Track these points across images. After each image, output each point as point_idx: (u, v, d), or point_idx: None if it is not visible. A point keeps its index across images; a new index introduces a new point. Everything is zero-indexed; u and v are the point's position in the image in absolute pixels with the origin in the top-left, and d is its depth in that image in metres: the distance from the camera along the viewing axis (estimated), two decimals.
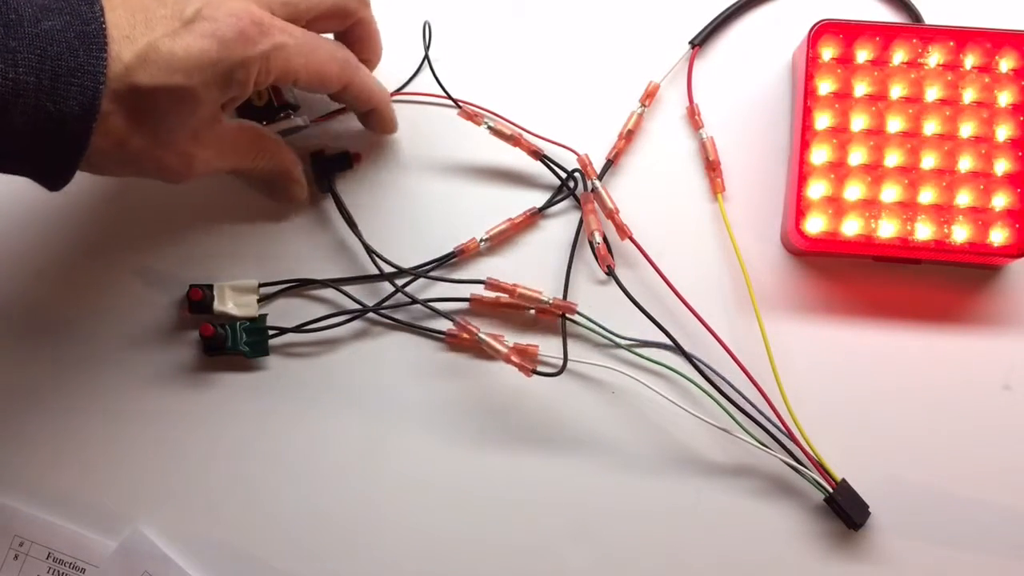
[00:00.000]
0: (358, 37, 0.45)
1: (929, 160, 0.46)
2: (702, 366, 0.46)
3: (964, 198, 0.46)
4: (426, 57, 0.50)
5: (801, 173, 0.46)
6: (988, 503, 0.46)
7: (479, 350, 0.47)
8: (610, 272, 0.47)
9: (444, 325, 0.48)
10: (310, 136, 0.49)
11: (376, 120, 0.48)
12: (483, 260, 0.49)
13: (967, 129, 0.46)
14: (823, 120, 0.46)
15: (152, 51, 0.37)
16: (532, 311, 0.48)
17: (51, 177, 0.39)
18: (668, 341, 0.46)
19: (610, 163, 0.49)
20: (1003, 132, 0.46)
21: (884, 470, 0.47)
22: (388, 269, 0.48)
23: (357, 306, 0.48)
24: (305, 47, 0.41)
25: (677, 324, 0.47)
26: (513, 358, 0.46)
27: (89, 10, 0.37)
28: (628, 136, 0.49)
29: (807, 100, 0.46)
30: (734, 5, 0.50)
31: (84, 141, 0.37)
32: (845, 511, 0.45)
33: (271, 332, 0.48)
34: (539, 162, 0.48)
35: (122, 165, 0.40)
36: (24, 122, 0.36)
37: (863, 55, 0.46)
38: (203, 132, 0.41)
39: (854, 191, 0.46)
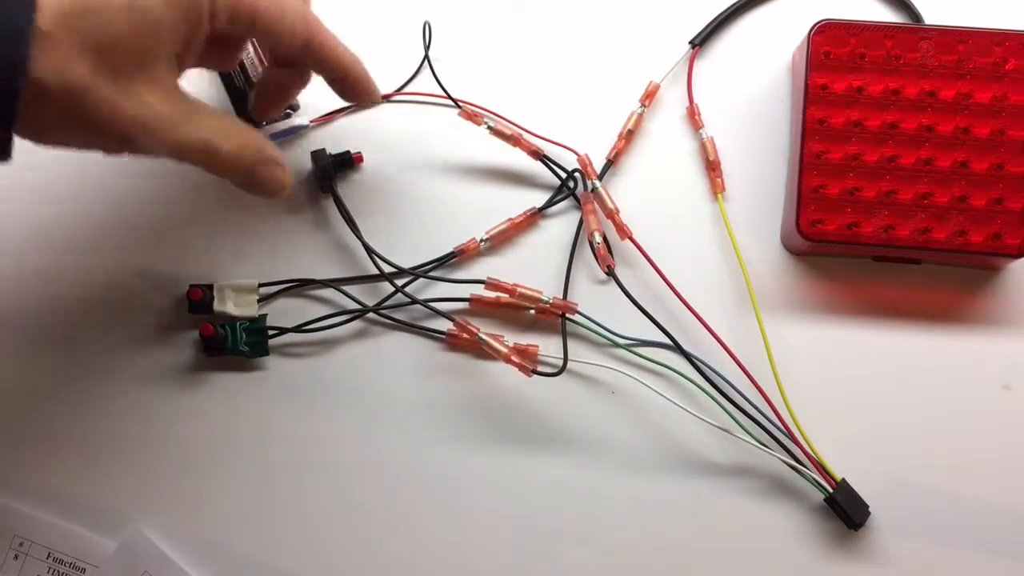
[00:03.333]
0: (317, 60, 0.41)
1: (929, 160, 0.46)
2: (702, 366, 0.46)
3: (964, 198, 0.46)
4: (426, 57, 0.50)
5: (801, 173, 0.46)
6: (988, 503, 0.46)
7: (479, 350, 0.47)
8: (610, 272, 0.47)
9: (444, 325, 0.48)
10: (310, 136, 0.49)
11: (352, 87, 0.43)
12: (483, 260, 0.49)
13: (967, 129, 0.46)
14: (823, 120, 0.46)
15: None
16: (532, 311, 0.48)
17: None
18: (668, 341, 0.46)
19: (610, 163, 0.49)
20: (1003, 132, 0.46)
21: (884, 470, 0.47)
22: (388, 269, 0.48)
23: (357, 306, 0.48)
24: None
25: (677, 324, 0.47)
26: (513, 358, 0.46)
27: None
28: (628, 136, 0.49)
29: (807, 100, 0.46)
30: (734, 5, 0.50)
31: (22, 67, 0.32)
32: (845, 511, 0.45)
33: (271, 332, 0.48)
34: (539, 162, 0.48)
35: (73, 118, 0.35)
36: None
37: (863, 55, 0.46)
38: (160, 77, 0.36)
39: (854, 191, 0.46)
